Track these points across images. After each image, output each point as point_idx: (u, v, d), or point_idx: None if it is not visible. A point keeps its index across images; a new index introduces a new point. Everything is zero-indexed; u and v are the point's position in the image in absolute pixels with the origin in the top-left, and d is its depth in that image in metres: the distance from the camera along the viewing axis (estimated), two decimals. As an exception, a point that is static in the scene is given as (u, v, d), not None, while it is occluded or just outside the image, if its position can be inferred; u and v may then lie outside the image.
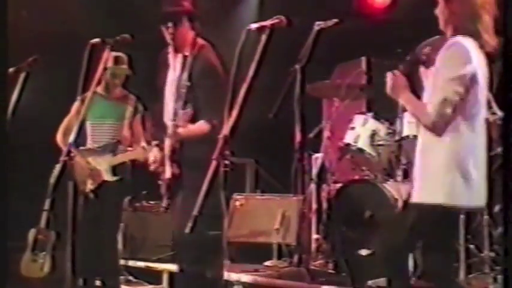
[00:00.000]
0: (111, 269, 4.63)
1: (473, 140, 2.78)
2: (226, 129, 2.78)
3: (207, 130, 3.33)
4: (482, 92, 2.81)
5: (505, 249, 2.76)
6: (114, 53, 4.45)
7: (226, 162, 2.73)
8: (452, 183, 2.71)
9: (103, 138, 4.52)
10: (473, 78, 2.73)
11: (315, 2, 5.45)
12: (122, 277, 5.19)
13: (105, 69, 4.36)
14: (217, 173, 2.73)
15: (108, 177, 4.42)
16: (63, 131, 4.64)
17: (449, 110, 2.70)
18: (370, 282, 3.85)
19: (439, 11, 2.88)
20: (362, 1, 5.90)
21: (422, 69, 2.99)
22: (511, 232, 2.68)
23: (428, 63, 2.95)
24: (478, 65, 2.76)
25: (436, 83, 2.76)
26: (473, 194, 2.76)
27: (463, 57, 2.72)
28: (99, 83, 4.29)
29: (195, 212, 2.67)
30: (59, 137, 4.67)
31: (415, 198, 2.80)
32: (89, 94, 3.75)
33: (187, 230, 2.63)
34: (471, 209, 2.92)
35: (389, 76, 2.92)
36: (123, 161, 4.48)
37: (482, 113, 2.84)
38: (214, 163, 2.70)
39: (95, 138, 4.50)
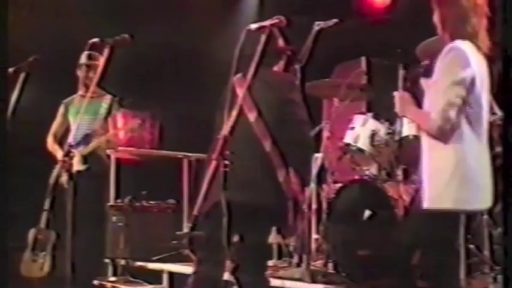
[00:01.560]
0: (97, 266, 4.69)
1: (477, 144, 2.79)
2: (226, 130, 2.78)
3: None
4: (484, 95, 2.82)
5: (504, 249, 2.76)
6: (87, 51, 4.81)
7: (226, 162, 2.74)
8: (459, 188, 2.73)
9: (81, 133, 4.76)
10: (473, 81, 2.75)
11: (314, 2, 5.44)
12: (122, 277, 5.21)
13: (80, 66, 4.89)
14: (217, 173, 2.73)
15: (78, 166, 4.57)
16: (52, 135, 4.98)
17: (453, 114, 2.71)
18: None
19: (435, 18, 2.91)
20: (362, 1, 5.90)
21: (422, 80, 3.01)
22: (510, 232, 2.68)
23: (428, 72, 2.97)
24: (477, 67, 2.77)
25: (438, 89, 2.77)
26: (480, 197, 2.78)
27: (462, 61, 2.73)
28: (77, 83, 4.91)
29: (195, 212, 2.68)
30: (48, 142, 4.95)
31: (427, 205, 2.79)
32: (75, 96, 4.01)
33: (186, 230, 2.63)
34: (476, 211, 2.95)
35: (396, 96, 2.97)
36: (91, 149, 4.77)
37: (485, 116, 2.85)
38: (214, 163, 2.70)
39: (74, 133, 4.53)
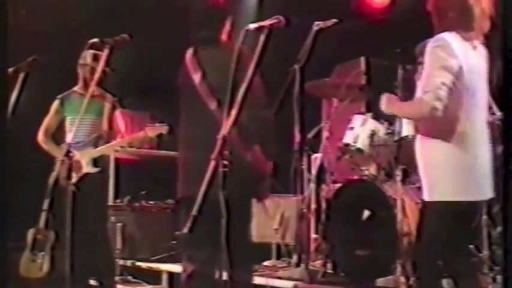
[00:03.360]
0: (105, 268, 4.66)
1: (472, 137, 2.85)
2: (225, 129, 2.78)
3: None
4: (476, 85, 2.89)
5: (504, 249, 2.77)
6: (91, 51, 4.62)
7: (225, 162, 2.74)
8: (458, 180, 2.83)
9: (83, 133, 4.61)
10: (461, 71, 2.83)
11: (313, 2, 5.44)
12: (121, 277, 5.21)
13: (84, 65, 4.70)
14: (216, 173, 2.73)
15: (89, 169, 4.49)
16: (44, 131, 4.80)
17: (444, 94, 2.78)
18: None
19: (429, 6, 3.01)
20: (361, 1, 5.91)
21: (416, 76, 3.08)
22: (510, 232, 2.69)
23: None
24: (465, 59, 2.85)
25: (428, 74, 2.87)
26: (479, 189, 2.87)
27: (449, 51, 2.84)
28: (77, 82, 4.73)
29: (194, 212, 2.67)
30: (40, 137, 4.79)
31: (426, 198, 2.92)
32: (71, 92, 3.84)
33: (185, 230, 2.64)
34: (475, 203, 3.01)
35: (383, 97, 3.09)
36: (104, 153, 4.63)
37: (480, 108, 2.91)
38: (213, 163, 2.71)
39: (75, 133, 4.42)
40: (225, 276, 2.88)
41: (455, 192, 2.85)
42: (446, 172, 2.87)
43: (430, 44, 2.90)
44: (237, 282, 3.12)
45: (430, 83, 2.83)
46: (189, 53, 3.45)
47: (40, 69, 3.88)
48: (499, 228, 3.84)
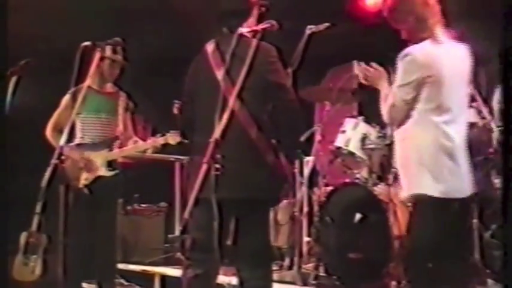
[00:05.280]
0: (107, 272, 4.63)
1: (450, 137, 2.94)
2: (217, 133, 2.79)
3: None
4: (453, 87, 2.97)
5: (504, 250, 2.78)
6: (110, 45, 4.29)
7: (217, 166, 2.74)
8: (435, 177, 2.92)
9: (97, 133, 4.47)
10: (428, 81, 2.93)
11: (306, 6, 5.46)
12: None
13: (102, 59, 4.23)
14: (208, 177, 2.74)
15: (104, 172, 4.36)
16: (53, 125, 4.58)
17: (401, 109, 2.98)
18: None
19: (385, 14, 3.15)
20: (354, 5, 5.93)
21: None
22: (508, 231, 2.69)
23: None
24: (440, 65, 2.95)
25: (393, 87, 3.05)
26: (458, 187, 2.96)
27: (414, 66, 2.95)
28: (92, 77, 4.19)
29: (186, 215, 2.68)
30: (48, 131, 4.59)
31: (404, 194, 3.07)
32: (84, 87, 3.70)
33: (177, 233, 2.64)
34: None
35: (374, 66, 3.21)
36: (120, 156, 4.45)
37: (460, 106, 3.02)
38: (205, 166, 2.71)
39: (88, 132, 4.43)
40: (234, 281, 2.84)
41: (433, 187, 2.92)
42: (424, 168, 2.95)
43: (401, 56, 3.00)
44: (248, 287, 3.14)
45: (393, 96, 3.00)
46: (211, 46, 3.25)
47: (33, 72, 3.87)
48: (491, 231, 3.88)
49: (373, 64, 3.19)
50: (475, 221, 3.85)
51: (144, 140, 4.46)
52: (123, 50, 4.56)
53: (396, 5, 3.10)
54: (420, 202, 2.98)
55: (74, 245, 3.82)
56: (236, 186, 2.99)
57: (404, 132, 3.04)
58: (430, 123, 2.95)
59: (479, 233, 3.87)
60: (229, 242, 3.14)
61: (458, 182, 2.96)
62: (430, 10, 3.02)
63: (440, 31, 3.01)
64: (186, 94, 3.35)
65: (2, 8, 3.21)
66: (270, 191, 3.16)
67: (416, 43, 3.01)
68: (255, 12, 3.30)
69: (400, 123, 3.03)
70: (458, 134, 2.98)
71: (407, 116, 2.99)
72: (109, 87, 4.61)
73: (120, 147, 4.44)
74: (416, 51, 2.97)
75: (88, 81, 4.08)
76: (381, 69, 3.20)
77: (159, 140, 4.31)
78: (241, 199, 3.05)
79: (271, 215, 5.02)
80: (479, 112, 3.88)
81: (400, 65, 2.99)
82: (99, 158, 4.37)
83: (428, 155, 2.94)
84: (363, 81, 3.24)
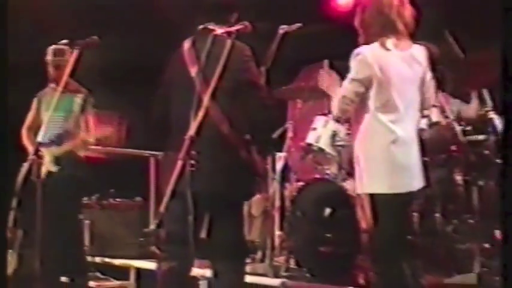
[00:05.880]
0: (78, 266, 4.70)
1: (381, 135, 3.09)
2: (192, 130, 2.86)
3: None
4: (404, 88, 3.12)
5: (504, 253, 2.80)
6: (52, 47, 4.70)
7: (192, 162, 2.82)
8: (390, 173, 3.07)
9: (53, 131, 4.62)
10: (374, 81, 3.08)
11: (279, 7, 5.56)
12: (89, 273, 5.26)
13: (47, 62, 4.70)
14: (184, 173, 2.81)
15: (50, 167, 4.51)
16: (26, 127, 4.82)
17: (344, 106, 3.14)
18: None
19: (356, 22, 3.24)
20: (326, 5, 6.06)
21: None
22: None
23: None
24: (389, 66, 3.09)
25: (343, 83, 3.19)
26: (411, 181, 3.10)
27: (362, 64, 3.09)
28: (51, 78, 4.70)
29: (161, 209, 2.74)
30: (23, 133, 4.79)
31: (360, 191, 3.22)
32: (48, 88, 3.90)
33: (152, 227, 2.69)
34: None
35: (324, 72, 3.39)
36: (64, 151, 4.63)
37: (410, 107, 3.15)
38: (180, 163, 2.78)
39: (49, 130, 4.51)
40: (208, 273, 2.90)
41: (381, 183, 3.09)
42: (372, 164, 3.11)
43: (353, 55, 3.14)
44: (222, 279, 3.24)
45: (344, 89, 3.15)
46: (187, 44, 3.35)
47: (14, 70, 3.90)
48: (453, 226, 4.02)
49: (326, 69, 3.35)
50: (437, 215, 3.99)
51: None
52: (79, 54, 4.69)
53: (367, 8, 3.22)
54: (372, 198, 3.12)
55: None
56: (210, 181, 3.09)
57: (358, 130, 3.17)
58: (377, 121, 3.09)
59: (441, 228, 4.01)
60: (203, 236, 3.25)
61: (406, 176, 3.10)
62: (401, 20, 3.14)
63: (392, 41, 3.13)
64: (162, 87, 3.43)
65: (2, 8, 3.25)
66: (243, 186, 3.27)
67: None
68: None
69: (349, 116, 3.22)
70: (404, 132, 3.10)
71: (355, 109, 3.14)
72: (68, 84, 4.67)
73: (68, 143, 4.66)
74: (367, 51, 3.11)
75: (50, 83, 4.64)
76: (333, 74, 3.37)
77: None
78: (216, 193, 3.16)
79: (245, 209, 5.15)
80: (443, 111, 4.01)
81: (352, 62, 3.14)
82: (47, 154, 4.52)
83: (376, 151, 3.09)
84: (322, 87, 3.38)
